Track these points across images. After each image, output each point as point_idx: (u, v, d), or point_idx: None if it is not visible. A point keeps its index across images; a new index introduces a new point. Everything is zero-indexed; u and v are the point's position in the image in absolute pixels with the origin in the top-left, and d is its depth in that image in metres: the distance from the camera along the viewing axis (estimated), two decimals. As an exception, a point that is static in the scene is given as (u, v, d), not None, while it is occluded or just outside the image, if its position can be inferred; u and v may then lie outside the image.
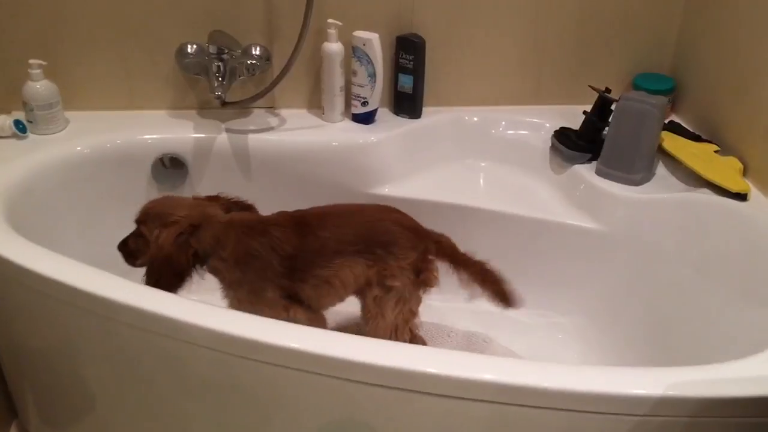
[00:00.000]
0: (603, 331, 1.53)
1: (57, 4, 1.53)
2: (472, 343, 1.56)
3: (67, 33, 1.57)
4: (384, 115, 1.72)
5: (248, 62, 1.61)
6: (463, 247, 1.39)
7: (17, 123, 1.51)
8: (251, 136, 1.61)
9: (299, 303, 1.28)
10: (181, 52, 1.61)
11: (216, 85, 1.54)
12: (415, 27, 1.66)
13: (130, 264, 1.28)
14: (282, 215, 1.29)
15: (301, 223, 1.26)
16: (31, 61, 1.50)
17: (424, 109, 1.73)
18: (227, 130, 1.61)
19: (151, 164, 1.59)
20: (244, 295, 1.26)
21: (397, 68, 1.68)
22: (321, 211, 1.31)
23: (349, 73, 1.64)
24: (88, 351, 1.19)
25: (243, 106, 1.66)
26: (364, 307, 1.32)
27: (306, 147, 1.62)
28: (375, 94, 1.63)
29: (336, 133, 1.65)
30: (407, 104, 1.71)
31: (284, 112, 1.71)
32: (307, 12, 1.48)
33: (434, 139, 1.72)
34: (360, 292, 1.31)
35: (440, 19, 1.66)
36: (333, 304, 1.33)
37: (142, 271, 1.24)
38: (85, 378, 1.23)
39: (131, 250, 1.27)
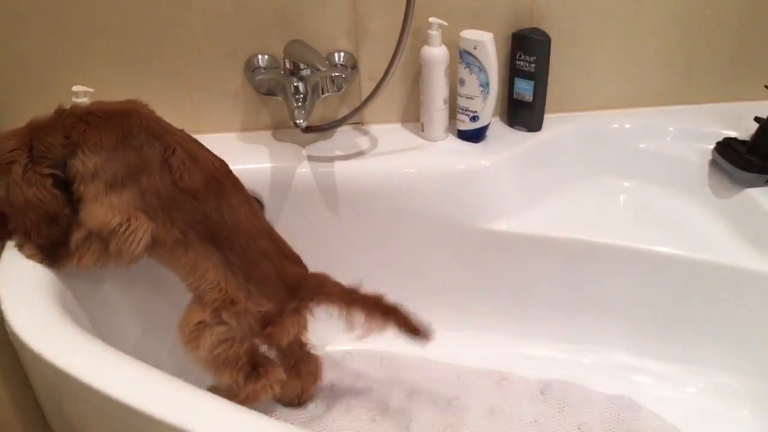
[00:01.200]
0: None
1: (95, 17, 1.27)
2: (618, 413, 1.27)
3: (112, 51, 1.31)
4: (495, 127, 1.41)
5: (332, 74, 1.32)
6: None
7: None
8: (337, 163, 1.33)
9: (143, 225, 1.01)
10: (251, 66, 1.33)
11: (296, 106, 1.26)
12: (536, 21, 1.33)
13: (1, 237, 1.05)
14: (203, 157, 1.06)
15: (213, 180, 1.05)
16: (75, 88, 1.23)
17: (545, 117, 1.40)
18: (309, 158, 1.34)
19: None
20: (98, 189, 0.99)
21: (512, 71, 1.36)
22: (240, 200, 1.08)
23: (454, 81, 1.33)
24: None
25: (329, 129, 1.38)
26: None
27: (403, 174, 1.33)
28: (487, 107, 1.32)
29: (439, 156, 1.35)
30: (525, 114, 1.39)
31: (375, 129, 1.42)
32: (408, 11, 1.18)
33: (560, 155, 1.40)
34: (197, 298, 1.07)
35: (568, 9, 1.32)
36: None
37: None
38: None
39: None
